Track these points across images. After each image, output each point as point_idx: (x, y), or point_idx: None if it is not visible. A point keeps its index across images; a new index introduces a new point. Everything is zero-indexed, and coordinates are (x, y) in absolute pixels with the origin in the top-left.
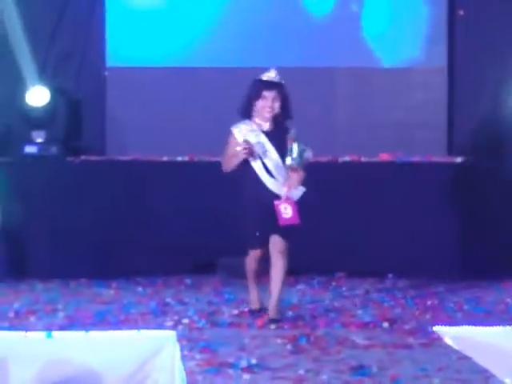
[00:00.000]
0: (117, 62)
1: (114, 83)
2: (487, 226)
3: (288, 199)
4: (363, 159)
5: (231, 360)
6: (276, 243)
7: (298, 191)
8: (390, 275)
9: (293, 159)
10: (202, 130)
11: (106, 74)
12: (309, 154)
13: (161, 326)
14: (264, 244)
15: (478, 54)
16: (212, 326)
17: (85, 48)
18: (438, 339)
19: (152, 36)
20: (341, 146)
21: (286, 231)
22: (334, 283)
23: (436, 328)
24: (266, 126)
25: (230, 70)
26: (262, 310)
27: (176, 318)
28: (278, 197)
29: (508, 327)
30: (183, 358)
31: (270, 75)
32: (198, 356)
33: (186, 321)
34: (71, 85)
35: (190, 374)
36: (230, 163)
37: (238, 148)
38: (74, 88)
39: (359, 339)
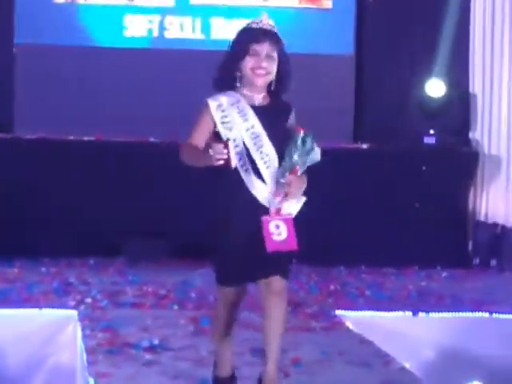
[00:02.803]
0: (25, 39)
1: (23, 60)
2: (390, 212)
3: (281, 214)
4: None
5: (133, 340)
6: (270, 282)
7: (298, 203)
8: (294, 260)
9: (298, 157)
10: (111, 110)
11: (14, 50)
12: (317, 155)
13: (63, 306)
14: (244, 279)
15: (386, 42)
16: (115, 306)
17: None
18: (340, 323)
19: (62, 13)
20: None
21: (282, 261)
22: None
23: (338, 312)
24: (259, 98)
25: (142, 52)
26: (234, 380)
27: (79, 297)
28: (267, 210)
29: (408, 313)
30: (85, 337)
31: (262, 21)
32: (99, 335)
33: (88, 300)
34: None
35: (91, 353)
36: (192, 159)
37: (212, 150)
38: None
39: (260, 321)
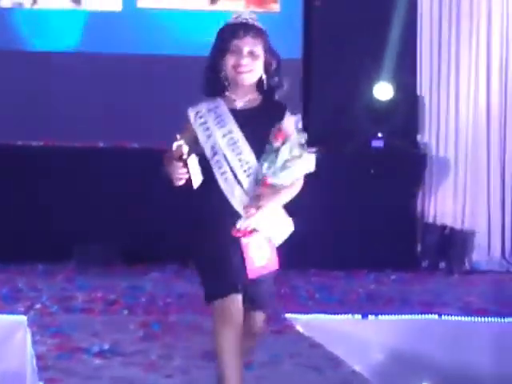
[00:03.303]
0: None
1: None
2: (339, 215)
3: (247, 229)
4: None
5: (83, 345)
6: (251, 316)
7: (282, 230)
8: None
9: (267, 167)
10: (55, 116)
11: None
12: (304, 165)
13: (12, 312)
14: (238, 284)
15: (334, 46)
16: (64, 311)
17: None
18: (290, 326)
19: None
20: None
21: (264, 289)
22: (186, 271)
23: (288, 315)
24: (242, 101)
25: (80, 55)
26: None
27: (28, 303)
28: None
29: (358, 316)
30: (35, 342)
31: (241, 15)
32: (49, 341)
33: (38, 306)
34: None
35: (41, 358)
36: (166, 172)
37: (174, 167)
38: None
39: (210, 325)
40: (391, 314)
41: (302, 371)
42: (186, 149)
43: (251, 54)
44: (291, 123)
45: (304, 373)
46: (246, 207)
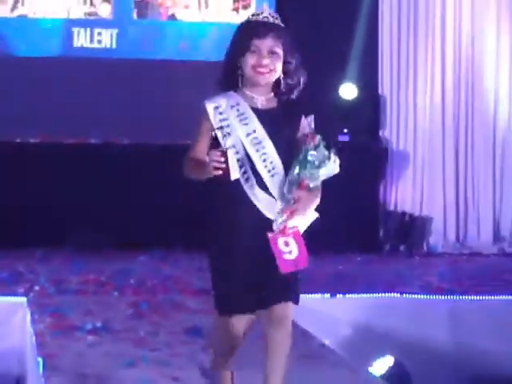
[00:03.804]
0: None
1: None
2: None
3: (288, 229)
4: None
5: (78, 323)
6: (275, 309)
7: (308, 218)
8: None
9: (305, 170)
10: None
11: None
12: (333, 166)
13: (13, 294)
14: (250, 306)
15: (301, 49)
16: (60, 293)
17: None
18: None
19: None
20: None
21: (289, 284)
22: (171, 256)
23: None
24: (262, 100)
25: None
26: None
27: (27, 286)
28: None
29: (327, 295)
30: (34, 321)
31: (262, 13)
32: (47, 320)
33: (36, 288)
34: None
35: (39, 335)
36: (193, 172)
37: (212, 154)
38: None
39: (193, 304)
40: (357, 293)
41: None
42: (225, 140)
43: (271, 53)
44: (308, 124)
45: None
46: (281, 210)
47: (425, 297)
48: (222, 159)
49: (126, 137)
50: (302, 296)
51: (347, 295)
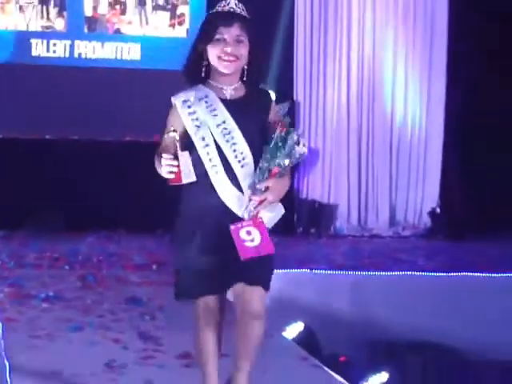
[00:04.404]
0: None
1: None
2: None
3: (252, 220)
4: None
5: (33, 293)
6: (246, 299)
7: (275, 212)
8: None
9: (276, 158)
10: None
11: None
12: (301, 151)
13: None
14: (219, 286)
15: None
16: (19, 267)
17: None
18: None
19: None
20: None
21: (259, 271)
22: (115, 236)
23: None
24: (230, 89)
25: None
26: None
27: None
28: (237, 217)
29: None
30: None
31: (229, 3)
32: (6, 290)
33: None
34: None
35: (0, 303)
36: (157, 168)
37: (164, 158)
38: None
39: (133, 278)
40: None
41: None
42: (178, 143)
43: (237, 41)
44: (278, 111)
45: None
46: (252, 199)
47: (331, 272)
48: (175, 163)
49: (78, 132)
50: None
51: None
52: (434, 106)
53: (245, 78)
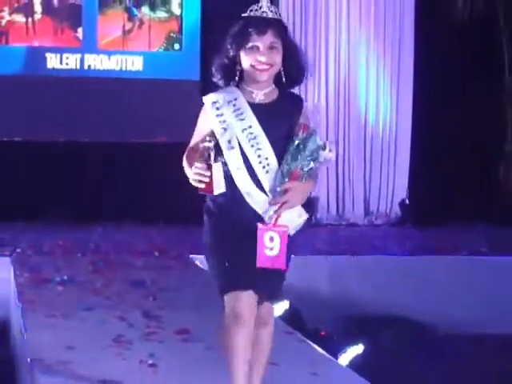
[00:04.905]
0: None
1: None
2: None
3: (277, 225)
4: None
5: (49, 277)
6: (262, 308)
7: (297, 218)
8: (161, 222)
9: (296, 161)
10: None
11: None
12: (329, 155)
13: (0, 255)
14: (252, 282)
15: None
16: (37, 254)
17: None
18: (192, 263)
19: None
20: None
21: (269, 283)
22: (122, 227)
23: (192, 256)
24: (260, 94)
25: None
26: None
27: (11, 249)
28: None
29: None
30: (16, 276)
31: (261, 8)
32: (26, 274)
33: (19, 250)
34: None
35: (20, 286)
36: (187, 169)
37: (196, 167)
38: None
39: (138, 263)
40: None
41: (197, 290)
42: (212, 152)
43: (271, 48)
44: (310, 116)
45: (198, 291)
46: (271, 201)
47: (313, 256)
48: (207, 173)
49: (89, 135)
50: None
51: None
52: (403, 107)
53: (283, 81)
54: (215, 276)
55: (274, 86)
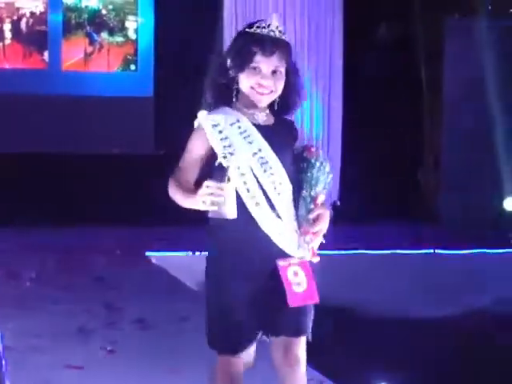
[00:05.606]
0: None
1: None
2: None
3: (299, 260)
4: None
5: (21, 274)
6: (287, 348)
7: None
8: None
9: (318, 183)
10: None
11: None
12: (330, 175)
13: None
14: (251, 344)
15: (178, 85)
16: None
17: None
18: (149, 260)
19: None
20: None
21: (301, 319)
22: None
23: (148, 253)
24: (262, 116)
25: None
26: None
27: None
28: (282, 252)
29: (189, 252)
30: None
31: (270, 26)
32: None
33: None
34: None
35: None
36: (178, 198)
37: (207, 187)
38: None
39: (101, 261)
40: None
41: (157, 288)
42: (227, 171)
43: (274, 73)
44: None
45: (155, 289)
46: (303, 232)
47: None
48: (224, 193)
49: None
50: (170, 254)
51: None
52: (334, 113)
53: (280, 107)
54: (208, 325)
55: (268, 110)
